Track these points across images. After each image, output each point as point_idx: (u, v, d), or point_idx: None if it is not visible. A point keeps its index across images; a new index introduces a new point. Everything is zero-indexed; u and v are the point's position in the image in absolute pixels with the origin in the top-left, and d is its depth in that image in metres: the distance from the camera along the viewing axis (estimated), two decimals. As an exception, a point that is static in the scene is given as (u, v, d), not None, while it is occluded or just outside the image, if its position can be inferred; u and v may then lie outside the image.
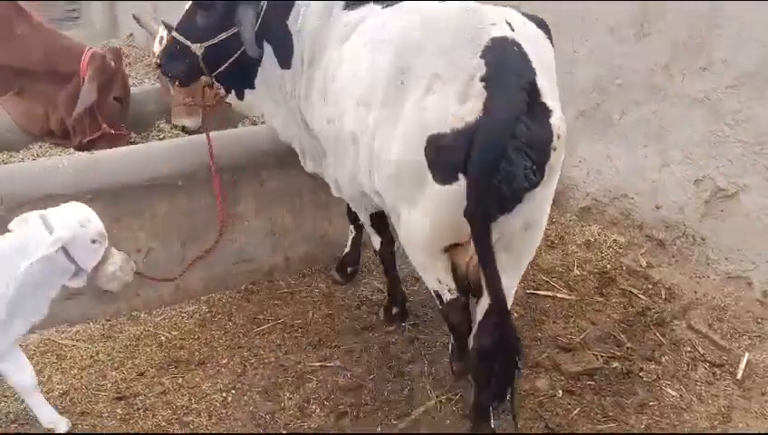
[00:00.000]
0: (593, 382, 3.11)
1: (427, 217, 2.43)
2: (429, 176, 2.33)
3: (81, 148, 4.09)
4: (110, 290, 2.71)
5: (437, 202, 2.37)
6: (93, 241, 2.49)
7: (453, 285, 2.64)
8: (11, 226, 2.49)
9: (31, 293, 2.51)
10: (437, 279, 2.64)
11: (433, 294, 2.74)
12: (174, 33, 3.30)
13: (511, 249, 2.45)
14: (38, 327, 3.50)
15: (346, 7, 3.00)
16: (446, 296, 2.65)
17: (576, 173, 4.67)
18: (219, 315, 3.69)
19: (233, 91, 3.46)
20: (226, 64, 3.24)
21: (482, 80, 2.20)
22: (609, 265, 4.09)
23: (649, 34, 4.02)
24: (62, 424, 2.83)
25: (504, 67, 2.23)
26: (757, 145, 3.55)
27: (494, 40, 2.27)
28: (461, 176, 2.25)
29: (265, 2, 3.14)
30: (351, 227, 3.91)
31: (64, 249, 2.44)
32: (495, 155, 2.14)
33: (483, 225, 2.23)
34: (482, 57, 2.24)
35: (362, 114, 2.59)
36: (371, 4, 2.91)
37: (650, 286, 3.86)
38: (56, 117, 4.24)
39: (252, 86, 3.38)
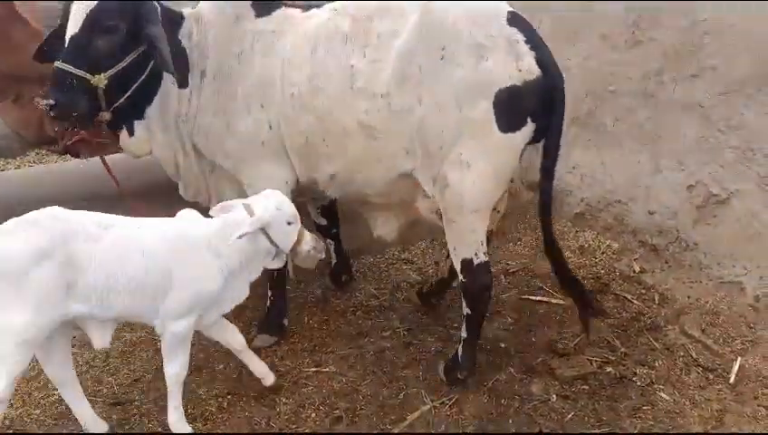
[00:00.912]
0: (587, 387, 3.13)
1: (489, 168, 2.77)
2: (494, 127, 2.70)
3: (65, 151, 4.07)
4: (307, 267, 2.91)
5: (503, 152, 2.77)
6: (289, 223, 2.68)
7: (486, 247, 2.95)
8: (212, 211, 2.71)
9: (239, 275, 2.71)
10: (480, 241, 2.92)
11: (461, 266, 2.94)
12: (63, 66, 2.77)
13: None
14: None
15: (258, 15, 3.09)
16: (480, 259, 2.92)
17: (570, 179, 4.70)
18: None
19: (123, 128, 3.12)
20: (129, 93, 2.95)
21: (526, 42, 2.70)
22: (602, 271, 4.12)
23: (641, 42, 4.07)
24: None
25: (532, 31, 2.77)
26: (749, 151, 3.59)
27: (510, 13, 2.78)
28: (529, 120, 2.72)
29: (161, 16, 2.95)
30: (327, 239, 3.88)
31: (265, 232, 2.63)
32: (564, 98, 2.77)
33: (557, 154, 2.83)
34: (511, 25, 2.72)
35: (383, 104, 2.82)
36: (287, 10, 3.10)
37: (644, 291, 3.89)
38: (50, 122, 4.24)
39: (141, 116, 3.11)
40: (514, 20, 2.75)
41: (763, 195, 3.57)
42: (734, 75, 3.61)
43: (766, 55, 3.49)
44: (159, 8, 2.98)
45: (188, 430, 2.79)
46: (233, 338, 2.93)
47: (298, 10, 3.13)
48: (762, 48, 3.49)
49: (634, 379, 3.17)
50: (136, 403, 3.08)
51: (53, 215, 2.46)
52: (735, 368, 3.20)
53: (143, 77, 2.96)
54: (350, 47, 2.92)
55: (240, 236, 2.53)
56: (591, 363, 3.26)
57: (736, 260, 3.71)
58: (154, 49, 2.87)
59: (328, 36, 2.97)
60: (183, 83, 3.05)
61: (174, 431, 2.76)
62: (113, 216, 2.60)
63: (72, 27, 2.81)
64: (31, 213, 2.44)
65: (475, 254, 2.91)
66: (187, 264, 2.58)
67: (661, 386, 3.13)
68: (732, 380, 3.14)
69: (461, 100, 2.71)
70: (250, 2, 3.13)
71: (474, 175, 2.76)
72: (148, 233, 2.57)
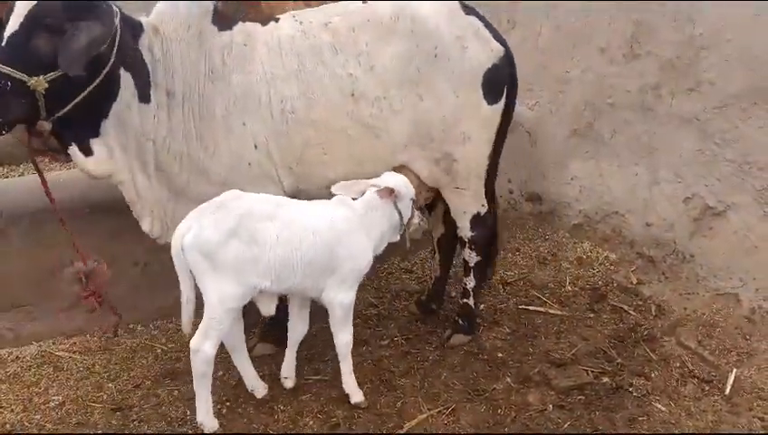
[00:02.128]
0: (583, 397, 3.15)
1: (484, 136, 3.26)
2: (484, 103, 3.19)
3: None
4: (414, 238, 3.32)
5: (492, 119, 3.27)
6: (411, 199, 3.08)
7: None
8: (335, 189, 2.97)
9: (375, 249, 3.04)
10: (483, 195, 3.40)
11: (471, 223, 3.42)
12: None
13: None
14: (35, 338, 3.59)
15: (221, 28, 2.99)
16: (486, 209, 3.43)
17: (568, 191, 4.73)
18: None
19: (74, 145, 2.78)
20: (75, 102, 2.64)
21: (485, 27, 3.21)
22: (600, 282, 4.15)
23: (639, 56, 4.11)
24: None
25: (481, 15, 3.26)
26: (745, 164, 3.63)
27: (459, 2, 3.25)
28: (505, 89, 3.26)
29: (119, 21, 2.73)
30: None
31: (397, 206, 3.01)
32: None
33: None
34: (468, 14, 3.22)
35: (386, 105, 3.06)
36: (245, 24, 3.05)
37: (641, 303, 3.91)
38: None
39: (96, 132, 2.80)
40: (466, 8, 3.25)
41: (759, 208, 3.61)
42: (730, 89, 3.65)
43: (762, 70, 3.53)
44: (119, 13, 2.76)
45: (362, 398, 3.06)
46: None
47: (256, 24, 3.07)
48: (757, 63, 3.54)
49: (630, 389, 3.19)
50: (135, 409, 3.10)
51: (236, 196, 2.78)
52: (731, 379, 3.22)
53: (93, 86, 2.66)
54: (343, 57, 3.03)
55: (378, 192, 2.94)
56: (588, 374, 3.28)
57: (733, 272, 3.74)
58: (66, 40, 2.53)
59: (312, 49, 3.02)
60: (143, 97, 2.84)
61: (352, 400, 3.05)
62: (281, 197, 2.93)
63: (12, 25, 2.54)
64: (216, 198, 2.76)
65: (482, 206, 3.42)
66: (348, 242, 2.90)
67: (657, 397, 3.14)
68: (727, 391, 3.16)
69: (456, 87, 3.13)
70: (210, 16, 2.99)
71: (475, 145, 3.24)
72: (316, 214, 2.89)
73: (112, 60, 2.71)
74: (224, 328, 2.77)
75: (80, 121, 2.74)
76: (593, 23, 4.35)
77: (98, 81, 2.66)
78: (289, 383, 3.19)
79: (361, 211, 2.95)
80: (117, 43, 2.71)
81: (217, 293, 2.70)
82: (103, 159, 2.86)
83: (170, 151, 2.96)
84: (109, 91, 2.75)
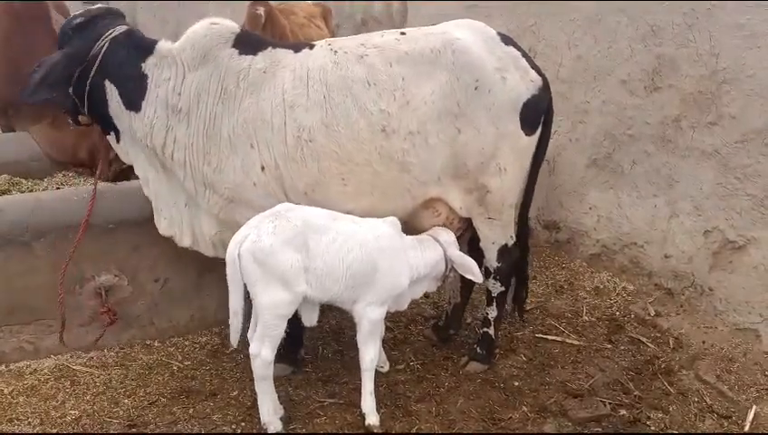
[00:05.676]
0: (600, 429, 3.11)
1: (519, 166, 3.26)
2: (522, 133, 3.19)
3: (106, 178, 4.18)
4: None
5: (528, 150, 3.29)
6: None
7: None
8: (388, 220, 3.09)
9: (410, 287, 3.13)
10: (513, 228, 3.43)
11: (498, 254, 3.41)
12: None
13: None
14: (54, 352, 3.61)
15: (242, 52, 3.07)
16: (513, 240, 3.44)
17: (586, 220, 4.74)
18: (231, 347, 3.73)
19: (111, 134, 3.26)
20: (85, 104, 3.12)
21: (522, 56, 3.21)
22: (617, 313, 4.13)
23: (661, 89, 4.13)
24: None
25: (518, 46, 3.27)
26: (766, 199, 3.62)
27: (497, 33, 3.26)
28: (542, 118, 3.27)
29: (106, 43, 3.03)
30: None
31: (446, 258, 3.16)
32: None
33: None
34: (507, 45, 3.21)
35: (420, 140, 3.06)
36: (275, 50, 3.12)
37: (658, 335, 3.88)
38: (88, 145, 4.36)
39: (115, 128, 3.23)
40: (504, 38, 3.25)
41: (780, 243, 3.59)
42: (751, 124, 3.66)
43: (784, 106, 3.54)
44: (111, 36, 3.05)
45: (377, 421, 3.04)
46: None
47: (288, 50, 3.13)
48: (780, 99, 3.55)
49: (648, 423, 3.16)
50: (151, 426, 3.10)
51: (291, 208, 2.90)
52: (750, 416, 3.18)
53: (74, 94, 3.09)
54: (376, 92, 3.02)
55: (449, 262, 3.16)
56: (605, 405, 3.25)
57: (752, 307, 3.71)
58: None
59: (343, 81, 3.01)
60: (131, 106, 3.09)
61: (366, 421, 3.03)
62: (333, 211, 3.01)
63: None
64: (271, 209, 2.88)
65: (510, 237, 3.43)
66: (389, 261, 2.98)
67: (675, 431, 3.11)
68: (747, 428, 3.12)
69: (495, 119, 3.12)
70: (231, 41, 3.08)
71: (510, 177, 3.23)
72: (364, 229, 2.98)
73: (92, 73, 3.04)
74: (278, 333, 2.85)
75: (99, 118, 3.17)
76: (614, 55, 4.39)
77: (83, 90, 3.06)
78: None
79: (408, 243, 3.11)
80: (99, 60, 3.03)
81: (269, 299, 2.79)
82: (125, 149, 3.26)
83: (174, 159, 3.12)
84: (97, 98, 3.10)
